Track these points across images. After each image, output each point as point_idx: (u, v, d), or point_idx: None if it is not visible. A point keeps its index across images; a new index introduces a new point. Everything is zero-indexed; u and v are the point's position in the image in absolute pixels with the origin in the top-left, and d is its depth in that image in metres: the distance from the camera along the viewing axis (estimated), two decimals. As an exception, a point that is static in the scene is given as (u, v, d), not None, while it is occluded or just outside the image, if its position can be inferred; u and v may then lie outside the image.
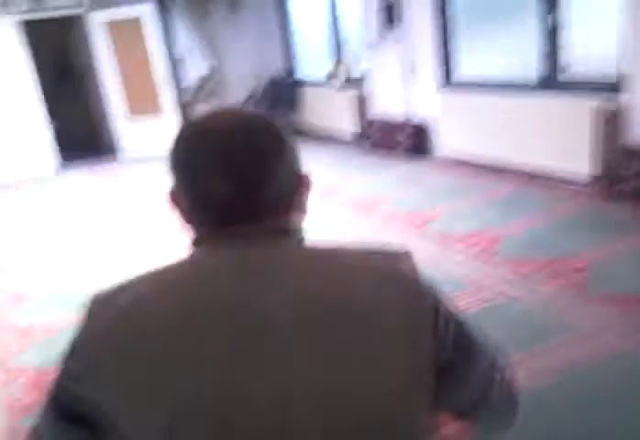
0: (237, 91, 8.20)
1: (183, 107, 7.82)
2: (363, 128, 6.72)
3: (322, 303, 0.69)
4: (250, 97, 8.24)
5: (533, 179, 4.79)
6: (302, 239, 0.77)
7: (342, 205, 4.81)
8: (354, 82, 6.88)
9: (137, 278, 0.73)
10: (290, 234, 0.76)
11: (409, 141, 6.04)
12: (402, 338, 0.70)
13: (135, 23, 7.32)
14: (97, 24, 7.31)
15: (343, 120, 7.09)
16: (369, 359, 0.68)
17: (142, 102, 7.57)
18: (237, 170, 0.72)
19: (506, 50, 5.09)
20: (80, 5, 7.25)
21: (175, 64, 7.66)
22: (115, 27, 7.32)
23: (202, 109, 7.61)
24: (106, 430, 0.68)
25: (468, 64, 5.48)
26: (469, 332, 0.78)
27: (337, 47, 7.17)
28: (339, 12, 7.01)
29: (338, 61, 7.11)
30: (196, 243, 0.76)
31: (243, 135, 0.73)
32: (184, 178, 0.74)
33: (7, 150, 7.14)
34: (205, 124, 0.76)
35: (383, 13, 6.03)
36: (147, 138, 7.44)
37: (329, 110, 7.32)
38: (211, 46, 8.07)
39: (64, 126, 9.29)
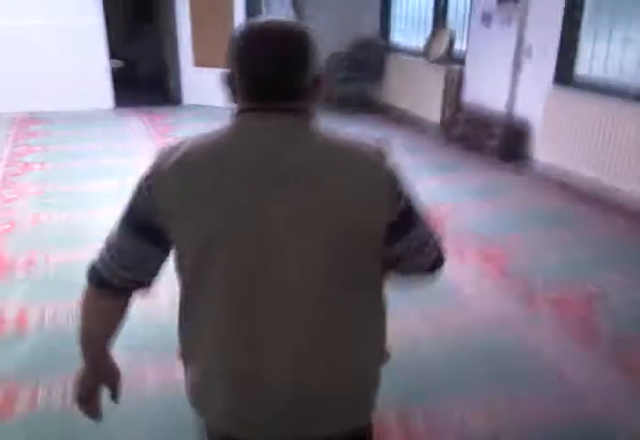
0: (322, 47, 7.26)
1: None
2: (452, 115, 5.75)
3: (320, 165, 0.99)
4: (334, 56, 7.34)
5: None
6: (314, 119, 1.03)
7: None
8: (452, 59, 5.87)
9: (192, 141, 1.01)
10: (307, 113, 1.02)
11: (502, 141, 5.05)
12: (368, 195, 1.00)
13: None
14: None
15: (430, 101, 6.12)
16: (346, 204, 0.99)
17: (211, 53, 6.82)
18: (277, 61, 0.97)
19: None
20: None
21: (253, 13, 6.82)
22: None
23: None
24: (165, 241, 1.01)
25: (597, 61, 4.37)
26: (417, 208, 1.09)
27: (441, 14, 6.13)
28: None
29: (438, 31, 6.08)
30: (242, 112, 1.01)
31: (284, 37, 0.98)
32: (240, 62, 0.98)
33: (66, 81, 6.66)
34: (259, 26, 0.99)
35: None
36: (210, 89, 6.74)
37: (417, 87, 6.35)
38: (297, -7, 7.16)
39: (131, 66, 8.83)
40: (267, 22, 1.01)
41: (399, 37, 7.08)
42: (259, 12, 6.80)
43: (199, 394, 1.10)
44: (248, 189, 0.96)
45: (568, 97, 4.48)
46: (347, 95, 7.21)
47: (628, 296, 2.89)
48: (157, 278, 1.08)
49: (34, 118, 6.44)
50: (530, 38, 4.85)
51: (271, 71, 0.97)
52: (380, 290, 1.12)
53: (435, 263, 1.13)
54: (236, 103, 1.02)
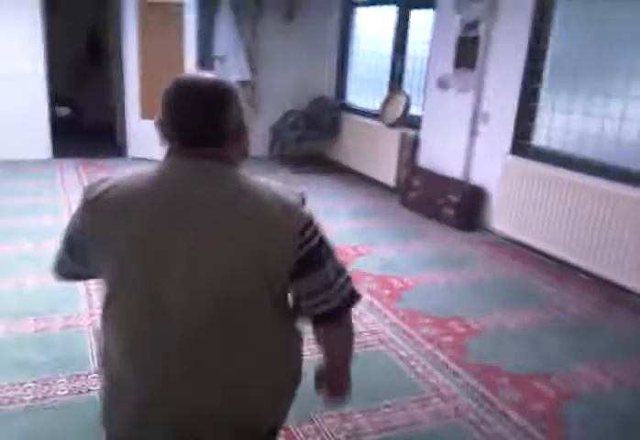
0: (275, 105, 7.14)
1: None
2: (407, 179, 5.56)
3: (226, 207, 1.09)
4: (289, 114, 7.17)
5: (617, 296, 3.59)
6: (234, 165, 1.15)
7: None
8: (407, 123, 5.75)
9: (120, 177, 1.15)
10: (227, 159, 1.13)
11: (458, 209, 4.86)
12: (270, 238, 1.08)
13: (173, 8, 6.31)
14: (131, 1, 6.34)
15: (385, 164, 5.94)
16: (245, 245, 1.08)
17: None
18: (196, 111, 1.09)
19: (609, 121, 3.86)
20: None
21: (208, 64, 6.62)
22: (149, 9, 6.34)
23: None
24: (90, 263, 1.18)
25: (555, 132, 4.27)
26: (326, 248, 1.16)
27: (397, 76, 6.06)
28: (408, 37, 5.90)
29: (394, 94, 5.99)
30: (167, 154, 1.14)
31: (203, 92, 1.09)
32: (167, 111, 1.11)
33: (7, 128, 6.21)
34: (183, 81, 1.12)
35: (460, 48, 4.90)
36: (157, 142, 6.39)
37: (372, 149, 6.19)
38: (256, 51, 7.02)
39: (78, 112, 8.45)
40: (192, 77, 1.14)
41: (354, 98, 6.98)
42: (211, 68, 6.59)
43: (104, 405, 1.24)
44: (156, 225, 1.08)
45: (525, 167, 4.34)
46: (301, 154, 7.00)
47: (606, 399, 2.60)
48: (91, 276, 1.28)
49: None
50: (487, 105, 4.76)
51: (190, 122, 1.10)
52: (276, 328, 1.20)
53: (341, 306, 1.20)
54: (165, 146, 1.16)
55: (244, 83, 6.98)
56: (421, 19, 5.70)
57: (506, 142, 4.56)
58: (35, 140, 6.43)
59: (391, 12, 6.10)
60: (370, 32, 6.60)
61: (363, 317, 3.18)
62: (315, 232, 1.14)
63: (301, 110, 7.20)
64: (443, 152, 5.23)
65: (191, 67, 6.42)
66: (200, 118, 1.09)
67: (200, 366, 1.12)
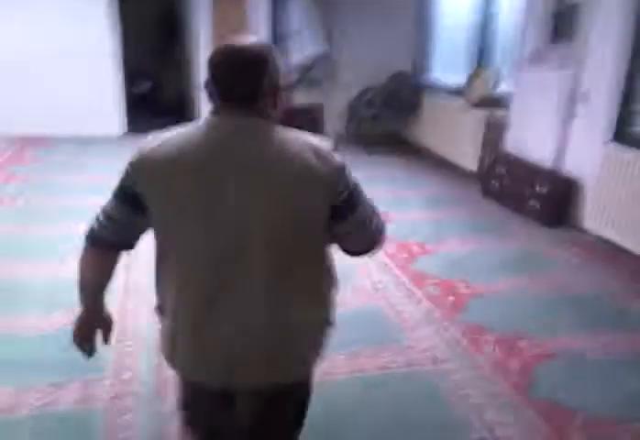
0: (354, 80, 6.72)
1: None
2: (490, 166, 5.01)
3: (269, 156, 1.19)
4: (365, 92, 6.73)
5: None
6: (269, 120, 1.24)
7: (405, 278, 3.25)
8: (495, 103, 5.17)
9: (168, 135, 1.26)
10: (263, 114, 1.23)
11: (546, 202, 4.28)
12: (309, 185, 1.20)
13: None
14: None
15: (468, 147, 5.40)
16: (288, 190, 1.19)
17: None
18: (231, 69, 1.20)
19: None
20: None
21: (282, 38, 6.29)
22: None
23: (299, 100, 6.27)
24: (144, 209, 1.24)
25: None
26: (360, 198, 1.30)
27: (482, 53, 5.45)
28: (494, 9, 5.25)
29: (481, 69, 5.39)
30: (212, 111, 1.25)
31: (239, 50, 1.21)
32: (210, 70, 1.22)
33: (77, 105, 6.25)
34: (225, 44, 1.23)
35: (557, 17, 4.25)
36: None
37: (454, 130, 5.65)
38: (329, 25, 6.60)
39: (157, 88, 8.44)
40: (233, 41, 1.24)
41: (437, 73, 6.42)
42: (286, 42, 6.26)
43: (168, 346, 1.34)
44: (210, 175, 1.18)
45: (629, 158, 3.70)
46: (377, 134, 6.57)
47: None
48: (138, 241, 1.33)
49: (32, 142, 6.02)
50: (587, 83, 4.11)
51: (227, 78, 1.21)
52: (319, 263, 1.33)
53: (375, 239, 1.36)
54: (212, 102, 1.26)
55: (321, 58, 6.62)
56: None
57: (608, 128, 3.92)
58: (108, 116, 6.44)
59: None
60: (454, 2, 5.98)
61: (417, 330, 2.80)
62: (348, 178, 1.26)
63: (379, 86, 6.74)
64: (533, 137, 4.63)
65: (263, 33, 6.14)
66: (234, 74, 1.20)
67: (268, 295, 1.26)
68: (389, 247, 3.64)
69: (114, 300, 2.15)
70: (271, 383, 1.33)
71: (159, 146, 1.22)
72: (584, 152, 4.14)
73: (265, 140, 1.20)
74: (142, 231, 1.31)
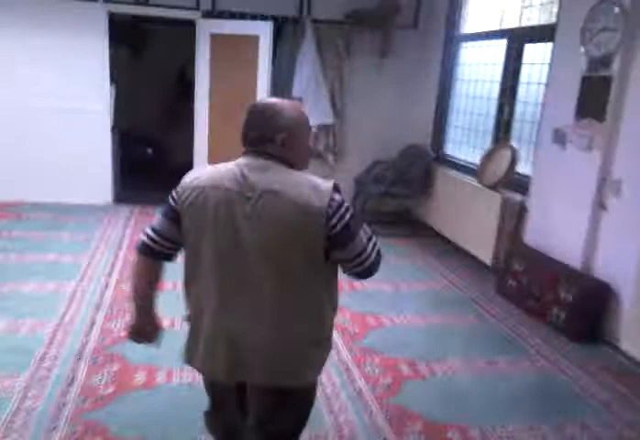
0: (362, 153, 6.17)
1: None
2: (507, 260, 4.26)
3: (277, 190, 1.44)
4: (375, 164, 6.15)
5: None
6: (283, 163, 1.52)
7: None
8: (514, 183, 4.50)
9: (204, 170, 1.58)
10: (276, 156, 1.51)
11: (574, 307, 3.49)
12: (308, 217, 1.43)
13: (247, 43, 5.62)
14: (206, 34, 5.73)
15: (482, 232, 4.67)
16: (290, 220, 1.44)
17: (230, 147, 5.81)
18: (251, 120, 1.54)
19: None
20: (196, 8, 5.74)
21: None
22: (220, 43, 5.70)
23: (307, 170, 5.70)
24: (180, 225, 1.55)
25: None
26: (355, 226, 1.49)
27: (504, 126, 4.83)
28: (520, 77, 4.67)
29: (498, 148, 4.76)
30: (243, 153, 1.56)
31: (259, 108, 1.54)
32: (244, 123, 1.56)
33: (62, 168, 5.80)
34: (255, 102, 1.58)
35: (585, 92, 3.62)
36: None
37: (468, 211, 4.96)
38: (341, 93, 6.12)
39: (163, 152, 8.06)
40: (261, 99, 1.64)
41: (453, 149, 5.81)
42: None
43: (188, 347, 1.63)
44: (227, 200, 1.47)
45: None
46: (385, 212, 5.93)
47: None
48: (176, 253, 1.62)
49: (6, 210, 5.51)
50: (619, 170, 3.42)
51: (246, 126, 1.55)
52: (320, 285, 1.55)
53: (371, 267, 1.55)
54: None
55: (325, 128, 6.10)
56: (536, 55, 4.47)
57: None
58: (93, 184, 5.94)
59: (500, 48, 4.93)
60: (476, 72, 5.43)
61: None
62: (346, 212, 1.47)
63: (390, 160, 6.15)
64: (557, 229, 3.90)
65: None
66: (248, 122, 1.54)
67: (259, 302, 1.50)
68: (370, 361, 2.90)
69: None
70: (271, 385, 1.56)
71: (195, 178, 1.54)
72: (619, 252, 3.40)
73: (272, 176, 1.47)
74: (179, 245, 1.59)
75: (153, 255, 1.60)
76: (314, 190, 1.44)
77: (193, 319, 1.59)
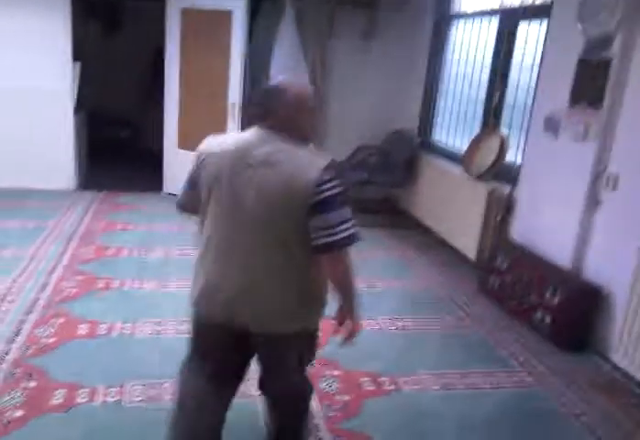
0: (346, 139, 5.80)
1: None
2: (492, 252, 3.94)
3: (273, 160, 1.60)
4: (357, 151, 5.79)
5: None
6: (286, 136, 1.66)
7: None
8: (502, 172, 4.15)
9: (221, 137, 1.78)
10: (277, 130, 1.66)
11: (562, 310, 3.17)
12: (297, 185, 1.56)
13: (219, 17, 5.20)
14: (176, 9, 5.32)
15: (467, 224, 4.34)
16: (281, 186, 1.58)
17: (202, 129, 5.43)
18: (257, 98, 1.75)
19: None
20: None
21: (259, 85, 5.42)
22: (189, 18, 5.29)
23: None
24: (201, 189, 1.73)
25: None
26: (340, 202, 1.60)
27: (494, 111, 4.46)
28: (512, 59, 4.30)
29: (486, 135, 4.40)
30: (248, 125, 1.74)
31: (266, 87, 1.74)
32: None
33: (29, 156, 5.43)
34: (265, 85, 1.80)
35: (581, 75, 3.27)
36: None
37: (452, 201, 4.62)
38: (321, 72, 5.74)
39: (136, 135, 7.68)
40: (275, 80, 1.77)
41: (441, 135, 5.44)
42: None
43: (192, 291, 1.77)
44: (231, 165, 1.64)
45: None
46: (367, 198, 5.57)
47: None
48: (198, 207, 1.77)
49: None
50: (616, 163, 3.08)
51: (258, 105, 1.71)
52: (304, 252, 1.64)
53: (344, 240, 1.61)
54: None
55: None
56: (530, 37, 4.09)
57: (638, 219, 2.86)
58: (54, 169, 5.56)
59: (492, 28, 4.55)
60: (466, 54, 5.04)
61: None
62: (333, 188, 1.58)
63: (374, 146, 5.79)
64: (546, 224, 3.57)
65: (235, 88, 5.27)
66: (261, 100, 1.70)
67: (252, 257, 1.66)
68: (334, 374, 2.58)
69: None
70: (266, 330, 1.72)
71: (209, 143, 1.77)
72: (613, 252, 3.07)
73: (273, 148, 1.63)
74: (200, 198, 1.75)
75: (182, 209, 1.91)
76: (309, 164, 1.58)
77: (197, 262, 1.77)
